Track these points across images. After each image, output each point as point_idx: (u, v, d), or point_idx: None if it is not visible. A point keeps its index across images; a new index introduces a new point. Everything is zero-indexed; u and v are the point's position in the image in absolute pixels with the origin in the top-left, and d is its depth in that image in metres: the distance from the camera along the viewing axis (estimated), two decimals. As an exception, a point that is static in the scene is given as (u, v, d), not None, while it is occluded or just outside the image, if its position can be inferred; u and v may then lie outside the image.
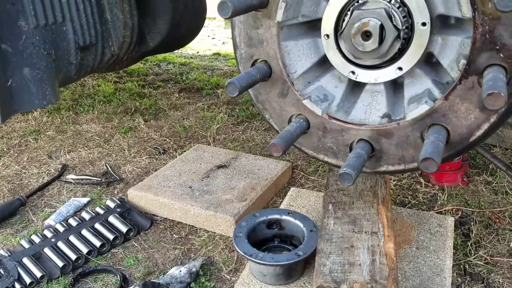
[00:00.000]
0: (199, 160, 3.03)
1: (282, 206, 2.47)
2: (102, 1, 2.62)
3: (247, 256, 1.86)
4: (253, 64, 1.72)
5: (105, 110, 4.21)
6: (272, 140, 1.50)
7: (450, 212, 2.55)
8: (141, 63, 5.69)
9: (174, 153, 3.37)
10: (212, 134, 3.67)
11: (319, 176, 2.99)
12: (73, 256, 2.25)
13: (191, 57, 6.23)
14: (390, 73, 1.51)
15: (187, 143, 3.54)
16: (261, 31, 1.64)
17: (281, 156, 1.54)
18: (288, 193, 2.59)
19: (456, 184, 2.79)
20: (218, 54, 6.39)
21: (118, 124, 3.92)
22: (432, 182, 2.83)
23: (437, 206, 2.61)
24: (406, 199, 2.70)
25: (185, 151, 3.31)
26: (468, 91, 1.40)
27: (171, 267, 2.18)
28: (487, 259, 2.20)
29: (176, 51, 6.16)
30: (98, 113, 4.14)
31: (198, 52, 6.55)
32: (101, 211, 2.56)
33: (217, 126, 3.81)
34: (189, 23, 3.16)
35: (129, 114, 4.13)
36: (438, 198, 2.69)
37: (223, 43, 7.06)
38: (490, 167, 2.95)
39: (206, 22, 7.42)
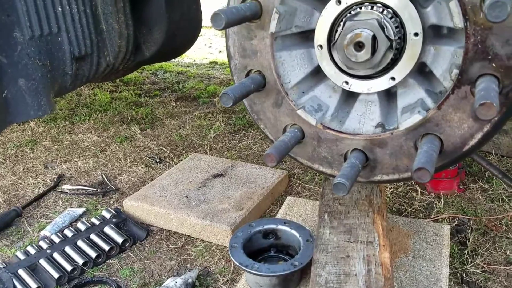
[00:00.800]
0: (195, 169, 3.02)
1: (278, 215, 2.46)
2: (97, 11, 2.63)
3: (243, 267, 1.85)
4: (247, 75, 1.72)
5: (101, 120, 4.21)
6: (266, 151, 1.50)
7: (446, 220, 2.55)
8: (137, 72, 5.70)
9: (171, 162, 3.36)
10: (208, 142, 3.67)
11: (315, 185, 2.99)
12: (68, 267, 2.24)
13: (187, 66, 6.25)
14: (383, 83, 1.52)
15: (184, 152, 3.54)
16: (254, 42, 1.65)
17: (276, 166, 1.54)
18: (284, 202, 2.59)
19: (452, 191, 2.79)
20: (215, 62, 6.41)
21: (114, 133, 3.92)
22: (428, 190, 2.83)
23: (434, 214, 2.61)
24: (403, 207, 2.70)
25: (181, 160, 3.31)
26: (461, 100, 1.40)
27: (167, 278, 2.17)
28: (484, 267, 2.20)
29: (173, 60, 6.17)
30: (94, 122, 4.14)
31: (194, 60, 6.57)
32: (97, 222, 2.56)
33: (214, 135, 3.81)
34: (185, 33, 3.16)
35: (125, 123, 4.13)
36: (435, 206, 2.69)
37: (220, 51, 7.08)
38: (486, 174, 2.96)
39: (203, 30, 7.44)
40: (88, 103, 4.64)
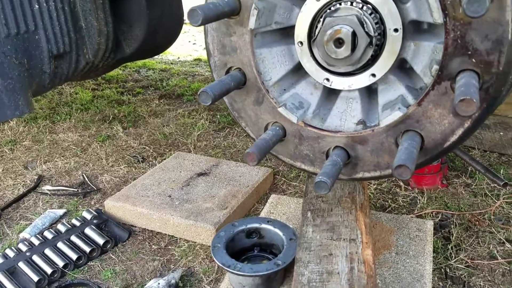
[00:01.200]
0: (179, 168, 2.99)
1: (262, 214, 2.44)
2: (76, 8, 2.58)
3: (225, 268, 1.83)
4: (227, 72, 1.69)
5: (83, 118, 4.14)
6: (247, 149, 1.47)
7: (430, 215, 2.56)
8: (120, 69, 5.63)
9: (154, 161, 3.32)
10: (193, 141, 3.63)
11: (300, 182, 2.98)
12: (48, 270, 2.19)
13: (171, 63, 6.19)
14: (363, 79, 1.50)
15: (167, 150, 3.50)
16: (234, 38, 1.62)
17: (257, 164, 1.52)
18: (268, 200, 2.57)
19: (435, 187, 2.80)
20: (199, 59, 6.35)
21: (95, 132, 3.85)
22: (412, 185, 2.83)
23: (417, 209, 2.62)
24: (386, 203, 2.70)
25: (165, 159, 3.27)
26: (441, 96, 1.40)
27: (150, 279, 2.14)
28: (468, 262, 2.21)
29: (156, 57, 6.11)
30: (75, 121, 4.07)
31: (178, 57, 6.51)
32: (77, 223, 2.51)
33: (198, 133, 3.77)
34: (166, 30, 3.12)
35: (107, 122, 4.06)
36: (418, 201, 2.70)
37: (204, 48, 7.01)
38: (469, 169, 2.97)
39: (187, 27, 7.38)
40: (69, 102, 4.57)
